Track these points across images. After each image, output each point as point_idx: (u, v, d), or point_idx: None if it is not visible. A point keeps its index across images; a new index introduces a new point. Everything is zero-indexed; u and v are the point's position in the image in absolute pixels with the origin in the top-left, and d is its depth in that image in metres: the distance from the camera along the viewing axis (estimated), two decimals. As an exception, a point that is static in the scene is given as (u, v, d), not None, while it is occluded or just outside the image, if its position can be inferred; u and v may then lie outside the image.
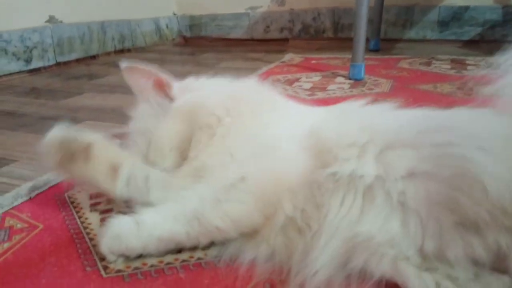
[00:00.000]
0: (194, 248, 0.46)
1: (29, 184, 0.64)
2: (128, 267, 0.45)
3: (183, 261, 0.45)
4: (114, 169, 0.51)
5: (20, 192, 0.62)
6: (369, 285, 0.39)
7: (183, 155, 0.55)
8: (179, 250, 0.46)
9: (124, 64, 0.57)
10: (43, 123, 1.02)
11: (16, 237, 0.52)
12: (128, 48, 2.11)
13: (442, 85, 1.17)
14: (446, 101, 1.00)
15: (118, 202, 0.54)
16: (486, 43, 1.86)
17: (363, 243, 0.39)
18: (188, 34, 2.49)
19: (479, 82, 0.48)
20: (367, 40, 1.70)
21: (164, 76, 0.58)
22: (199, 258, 0.46)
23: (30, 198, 0.61)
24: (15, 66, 1.55)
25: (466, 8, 1.89)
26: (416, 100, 1.02)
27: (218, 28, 2.39)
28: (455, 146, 0.38)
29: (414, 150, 0.41)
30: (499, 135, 0.39)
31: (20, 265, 0.46)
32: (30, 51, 1.60)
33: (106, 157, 0.52)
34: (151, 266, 0.45)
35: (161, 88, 0.58)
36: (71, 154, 0.50)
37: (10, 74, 1.53)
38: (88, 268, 0.45)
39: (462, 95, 1.05)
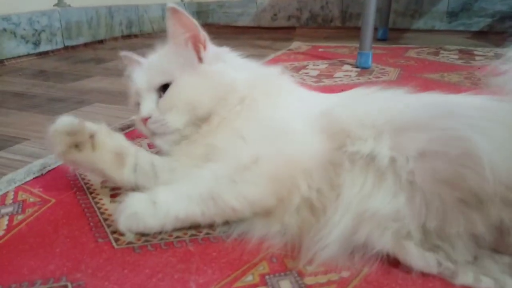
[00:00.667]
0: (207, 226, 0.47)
1: (40, 161, 0.66)
2: (138, 240, 0.46)
3: (192, 235, 0.47)
4: (120, 157, 0.52)
5: (32, 169, 0.63)
6: (371, 258, 0.40)
7: (195, 122, 0.55)
8: (191, 226, 0.48)
9: (170, 4, 0.54)
10: (52, 104, 1.03)
11: (29, 210, 0.53)
12: (135, 33, 2.12)
13: (450, 74, 1.17)
14: (453, 90, 1.00)
15: (126, 189, 0.53)
16: (495, 34, 1.84)
17: (370, 216, 0.40)
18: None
19: (488, 73, 0.48)
20: (375, 29, 1.70)
21: (203, 34, 0.57)
22: (207, 233, 0.47)
23: (42, 174, 0.62)
24: (24, 49, 1.56)
25: (476, -2, 1.87)
26: (423, 88, 1.02)
27: (226, 15, 2.38)
28: (461, 130, 0.39)
29: (425, 133, 0.42)
30: (500, 122, 0.40)
31: (34, 235, 0.48)
32: (39, 34, 1.61)
33: (112, 146, 0.52)
34: (161, 239, 0.46)
35: (196, 44, 0.56)
36: (77, 143, 0.50)
37: (19, 57, 1.55)
38: (100, 240, 0.47)
39: (470, 85, 1.05)
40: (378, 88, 0.53)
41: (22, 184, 0.59)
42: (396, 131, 0.44)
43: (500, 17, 1.84)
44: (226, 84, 0.55)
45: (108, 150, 0.51)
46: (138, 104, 0.58)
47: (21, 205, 0.54)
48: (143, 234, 0.47)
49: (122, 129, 0.80)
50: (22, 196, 0.57)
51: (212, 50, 0.58)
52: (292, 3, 2.21)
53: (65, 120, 0.50)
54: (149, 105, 0.55)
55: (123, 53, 0.64)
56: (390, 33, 1.89)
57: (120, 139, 0.53)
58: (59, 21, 1.69)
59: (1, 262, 0.43)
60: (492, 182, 0.36)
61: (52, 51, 1.68)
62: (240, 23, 2.35)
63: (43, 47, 1.64)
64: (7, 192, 0.57)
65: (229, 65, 0.58)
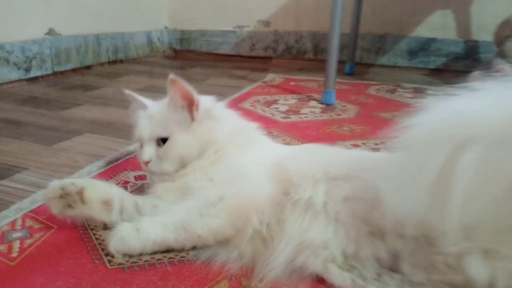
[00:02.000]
0: (180, 250, 0.60)
1: (42, 191, 0.77)
2: (127, 261, 0.58)
3: (170, 258, 0.60)
4: (107, 204, 0.63)
5: (36, 198, 0.75)
6: (305, 277, 0.54)
7: (180, 167, 0.69)
8: (167, 250, 0.61)
9: (171, 76, 0.67)
10: (46, 133, 1.14)
11: (36, 235, 0.65)
12: (121, 59, 2.24)
13: (400, 114, 1.34)
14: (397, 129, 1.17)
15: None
16: (449, 72, 2.05)
17: (307, 245, 0.54)
18: (178, 47, 2.63)
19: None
20: (343, 63, 1.90)
21: (197, 98, 0.68)
22: (182, 256, 0.60)
23: (44, 203, 0.74)
24: (16, 74, 1.67)
25: (433, 40, 2.08)
26: (374, 127, 1.19)
27: (207, 44, 2.53)
28: (372, 181, 0.54)
29: (349, 183, 0.57)
30: (398, 173, 0.54)
31: (42, 256, 0.60)
32: (30, 61, 1.72)
33: (98, 197, 0.63)
34: (145, 261, 0.59)
35: (190, 107, 0.69)
36: (69, 203, 0.62)
37: (11, 82, 1.65)
38: (96, 261, 0.59)
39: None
40: (322, 146, 0.68)
41: (28, 212, 0.71)
42: (329, 181, 0.58)
43: (453, 57, 2.05)
44: (210, 140, 0.69)
45: (96, 201, 0.63)
46: (141, 145, 0.71)
47: (29, 231, 0.66)
48: (130, 256, 0.59)
49: (111, 162, 0.92)
50: (29, 222, 0.68)
51: (202, 107, 0.70)
52: (269, 35, 2.39)
53: (56, 186, 0.62)
54: (149, 152, 0.69)
55: (127, 92, 0.77)
56: (357, 67, 2.07)
57: (104, 188, 0.65)
58: (50, 48, 1.80)
59: (17, 279, 0.55)
60: (389, 220, 0.51)
61: (42, 77, 1.79)
62: (221, 51, 2.51)
63: (34, 73, 1.75)
64: (16, 219, 0.69)
65: (214, 120, 0.71)
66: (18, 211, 0.71)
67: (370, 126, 1.21)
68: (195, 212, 0.59)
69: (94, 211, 0.63)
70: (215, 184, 0.62)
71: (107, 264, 0.58)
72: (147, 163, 0.69)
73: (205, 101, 0.72)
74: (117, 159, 0.94)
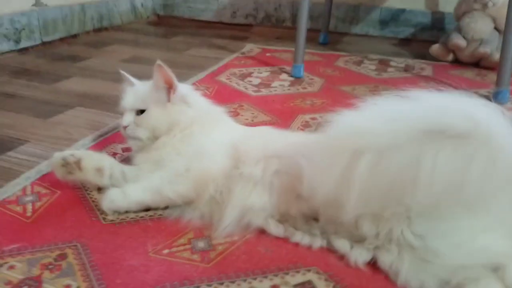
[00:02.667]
0: (156, 208, 0.78)
1: (46, 162, 0.94)
2: (117, 218, 0.76)
3: (150, 215, 0.77)
4: (99, 171, 0.81)
5: (41, 168, 0.91)
6: (251, 230, 0.73)
7: (152, 138, 0.85)
8: (148, 209, 0.78)
9: (158, 62, 0.82)
10: (41, 107, 1.28)
11: (44, 199, 0.82)
12: (106, 27, 2.32)
13: (360, 87, 1.50)
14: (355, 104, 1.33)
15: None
16: (417, 42, 2.19)
17: (249, 208, 0.73)
18: (161, 13, 2.70)
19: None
20: (319, 32, 2.03)
21: (176, 82, 0.84)
22: (160, 215, 0.78)
23: (48, 172, 0.90)
24: (7, 46, 1.77)
25: (403, 10, 2.20)
26: (333, 101, 1.35)
27: (190, 10, 2.61)
28: (297, 158, 0.71)
29: (280, 159, 0.74)
30: (319, 154, 0.71)
31: (50, 215, 0.77)
32: (19, 33, 1.82)
33: (92, 165, 0.80)
34: (131, 218, 0.77)
35: (169, 89, 0.85)
36: (69, 171, 0.80)
37: (2, 53, 1.76)
38: (93, 218, 0.77)
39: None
40: (271, 129, 0.86)
41: (35, 180, 0.88)
42: (266, 158, 0.75)
43: (421, 27, 2.18)
44: (177, 120, 0.84)
45: (91, 169, 0.80)
46: (122, 113, 0.87)
47: (37, 195, 0.83)
48: (119, 213, 0.77)
49: (101, 135, 1.08)
50: (36, 189, 0.85)
51: (179, 92, 0.85)
52: (249, 4, 2.47)
53: (58, 157, 0.80)
54: (128, 118, 0.85)
55: (122, 72, 0.93)
56: (332, 36, 2.19)
57: (98, 158, 0.82)
58: (37, 19, 1.89)
59: (34, 232, 0.73)
60: (306, 188, 0.68)
61: (32, 47, 1.89)
62: (203, 17, 2.59)
63: (24, 44, 1.85)
64: (26, 186, 0.86)
65: (186, 105, 0.86)
66: (27, 179, 0.88)
67: (330, 99, 1.37)
68: (167, 179, 0.76)
69: (89, 176, 0.81)
70: (183, 157, 0.79)
71: (102, 221, 0.76)
72: (125, 127, 0.85)
73: (183, 88, 0.88)
74: (106, 133, 1.10)
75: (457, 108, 0.59)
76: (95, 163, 0.81)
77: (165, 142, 0.84)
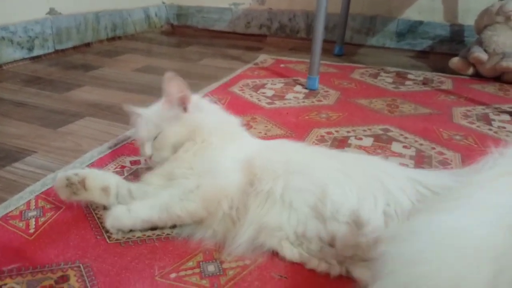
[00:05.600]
0: (163, 228, 0.74)
1: (51, 175, 0.91)
2: (123, 237, 0.72)
3: (157, 235, 0.73)
4: (105, 190, 0.77)
5: (46, 181, 0.88)
6: (263, 252, 0.68)
7: (174, 152, 0.82)
8: (155, 228, 0.74)
9: (168, 73, 0.81)
10: (52, 116, 1.26)
11: (48, 214, 0.78)
12: (119, 35, 2.32)
13: (377, 100, 1.45)
14: (372, 118, 1.28)
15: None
16: (434, 54, 2.14)
17: (265, 228, 0.68)
18: (175, 23, 2.69)
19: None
20: (334, 43, 1.99)
21: (189, 93, 0.82)
22: (167, 234, 0.74)
23: (54, 191, 0.87)
24: (19, 54, 1.77)
25: (420, 22, 2.15)
26: (350, 114, 1.30)
27: (204, 20, 2.60)
28: (321, 178, 0.67)
29: (302, 176, 0.70)
30: (343, 172, 0.67)
31: (54, 232, 0.74)
32: (33, 41, 1.81)
33: (98, 185, 0.77)
34: (138, 237, 0.73)
35: (184, 100, 0.83)
36: (74, 191, 0.76)
37: (15, 61, 1.75)
38: (98, 237, 0.73)
39: (387, 113, 1.33)
40: (288, 142, 0.82)
41: (40, 193, 0.85)
42: (287, 175, 0.71)
43: (439, 40, 2.13)
44: (197, 127, 0.82)
45: (96, 188, 0.77)
46: (142, 144, 0.85)
47: (41, 210, 0.80)
48: (123, 232, 0.73)
49: (110, 147, 1.05)
50: (41, 203, 0.82)
51: (194, 101, 0.84)
52: (263, 13, 2.45)
53: (62, 177, 0.76)
54: (150, 149, 0.84)
55: (126, 107, 0.91)
56: (347, 47, 2.15)
57: (103, 177, 0.78)
58: (51, 28, 1.89)
59: (35, 250, 0.69)
60: (329, 209, 0.64)
61: (44, 55, 1.88)
62: (217, 27, 2.58)
63: (36, 52, 1.84)
64: (30, 200, 0.82)
65: (203, 112, 0.84)
66: (31, 192, 0.84)
67: (346, 113, 1.32)
68: (176, 196, 0.72)
69: (94, 196, 0.77)
70: (195, 172, 0.75)
71: (107, 240, 0.72)
72: (150, 157, 0.84)
73: (195, 97, 0.86)
74: (115, 145, 1.06)
75: None
76: (100, 182, 0.77)
77: (180, 156, 0.80)
